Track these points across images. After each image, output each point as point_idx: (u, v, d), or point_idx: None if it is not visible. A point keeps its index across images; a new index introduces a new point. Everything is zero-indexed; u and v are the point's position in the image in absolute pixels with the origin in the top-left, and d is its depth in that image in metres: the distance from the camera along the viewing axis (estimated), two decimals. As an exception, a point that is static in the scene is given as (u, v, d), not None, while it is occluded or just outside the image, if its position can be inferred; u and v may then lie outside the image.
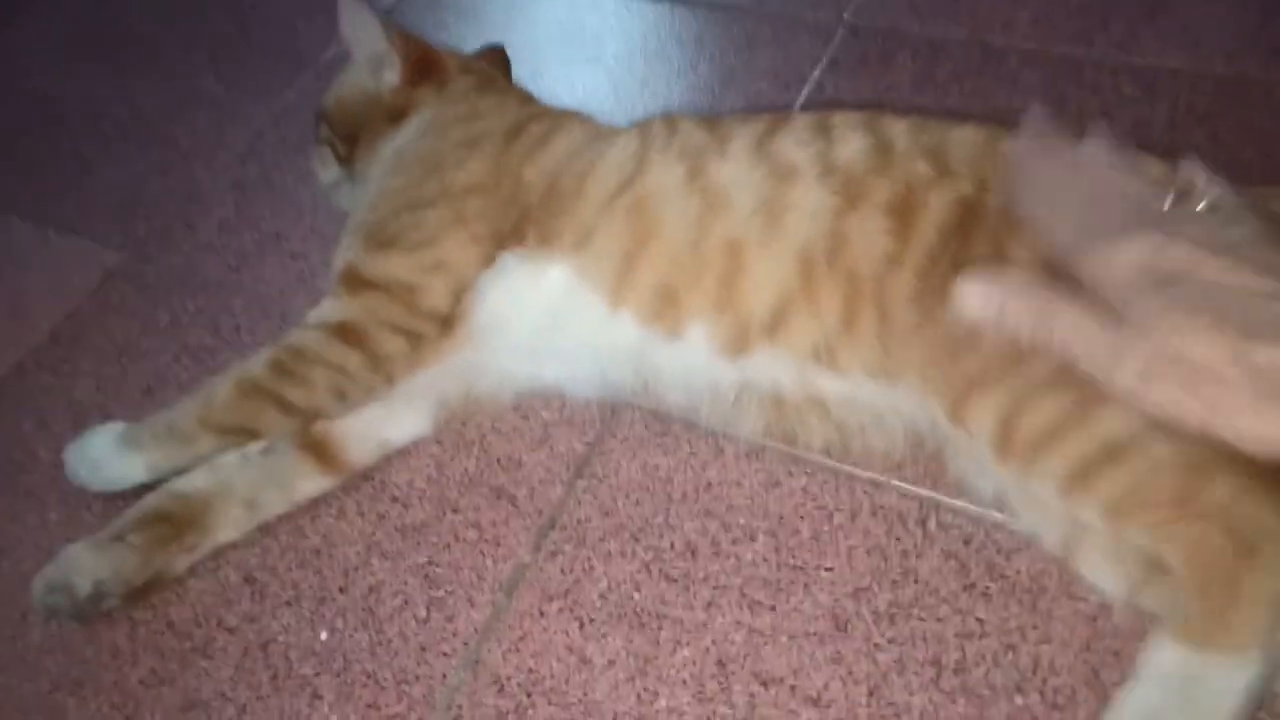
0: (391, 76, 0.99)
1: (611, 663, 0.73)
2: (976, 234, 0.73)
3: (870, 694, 0.69)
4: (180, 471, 0.83)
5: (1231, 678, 0.60)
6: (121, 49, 1.46)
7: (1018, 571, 0.73)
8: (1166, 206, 0.58)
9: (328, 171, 1.05)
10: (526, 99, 1.02)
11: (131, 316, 1.06)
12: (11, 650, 0.80)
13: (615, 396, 0.88)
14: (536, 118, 0.93)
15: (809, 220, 0.77)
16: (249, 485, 0.82)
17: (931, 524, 0.77)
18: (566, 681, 0.73)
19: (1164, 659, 0.61)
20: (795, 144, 0.82)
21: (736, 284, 0.79)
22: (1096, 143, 0.66)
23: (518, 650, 0.75)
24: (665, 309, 0.80)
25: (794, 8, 1.28)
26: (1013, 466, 0.68)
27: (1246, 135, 1.02)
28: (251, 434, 0.83)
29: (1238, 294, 0.51)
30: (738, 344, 0.79)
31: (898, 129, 0.81)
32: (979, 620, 0.72)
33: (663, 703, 0.71)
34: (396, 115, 0.99)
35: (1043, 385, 0.66)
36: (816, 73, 1.18)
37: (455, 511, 0.84)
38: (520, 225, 0.85)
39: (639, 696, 0.71)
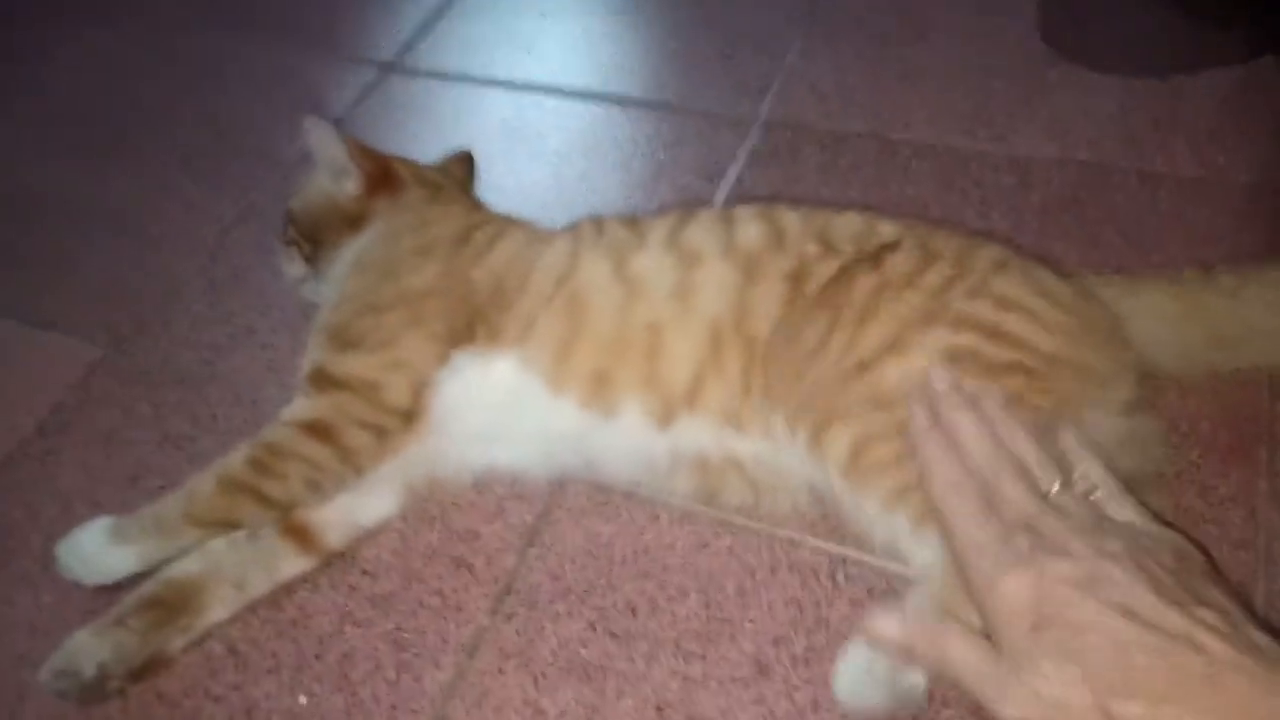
0: (351, 186, 1.10)
1: (563, 713, 0.83)
2: (854, 288, 0.86)
3: (788, 729, 0.80)
4: (168, 560, 0.91)
5: None
6: (97, 145, 1.55)
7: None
8: (1053, 490, 0.68)
9: (294, 268, 1.15)
10: (473, 207, 1.14)
11: (113, 408, 1.14)
12: (11, 728, 0.88)
13: (561, 472, 0.98)
14: (481, 225, 1.05)
15: (715, 295, 0.90)
16: (237, 569, 0.91)
17: (840, 576, 0.88)
18: (523, 732, 0.82)
19: None
20: (702, 233, 0.95)
21: (658, 361, 0.90)
22: (991, 406, 0.75)
23: (480, 706, 0.84)
24: (600, 391, 0.92)
25: (716, 106, 1.42)
26: (852, 485, 0.81)
27: (1109, 216, 1.16)
28: (233, 525, 0.92)
29: (1108, 644, 0.55)
30: (664, 416, 0.90)
31: (790, 217, 0.95)
32: (881, 659, 0.82)
33: (609, 746, 0.80)
34: (355, 221, 1.09)
35: (889, 430, 0.79)
36: (736, 166, 1.31)
37: (420, 581, 0.93)
38: (471, 323, 0.96)
39: (588, 742, 0.81)
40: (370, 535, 0.97)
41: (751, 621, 0.86)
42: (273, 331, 1.21)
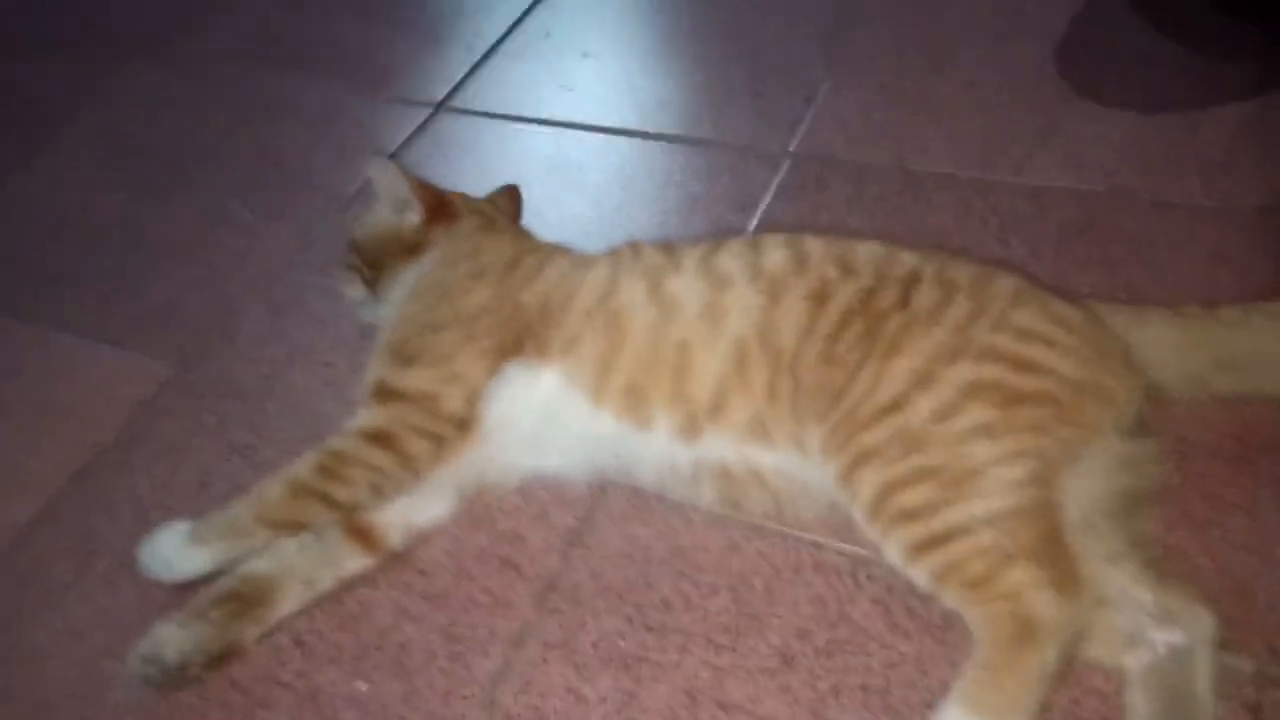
0: (413, 218, 1.19)
1: (603, 699, 0.89)
2: (872, 313, 0.93)
3: (812, 715, 0.85)
4: (238, 560, 0.99)
5: None
6: (155, 175, 1.67)
7: (931, 613, 0.90)
8: None
9: (354, 291, 1.24)
10: (521, 235, 1.23)
11: (181, 421, 1.23)
12: (96, 712, 0.96)
13: (601, 478, 1.05)
14: (530, 251, 1.13)
15: (742, 316, 0.97)
16: (306, 566, 0.99)
17: (861, 576, 0.94)
18: (566, 715, 0.89)
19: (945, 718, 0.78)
20: (731, 258, 1.02)
21: (686, 377, 0.97)
22: None
23: (525, 692, 0.91)
24: (635, 403, 0.99)
25: (748, 139, 1.50)
26: (877, 530, 0.86)
27: (1123, 243, 1.22)
28: (301, 526, 0.99)
29: None
30: (691, 429, 0.97)
31: (814, 244, 1.02)
32: (900, 653, 0.88)
33: (645, 730, 0.87)
34: (414, 249, 1.18)
35: (919, 474, 0.85)
36: (767, 198, 1.39)
37: (470, 579, 1.01)
38: (520, 339, 1.04)
39: (626, 726, 0.87)
40: (425, 537, 1.04)
41: (778, 617, 0.92)
42: (329, 350, 1.29)
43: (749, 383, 0.95)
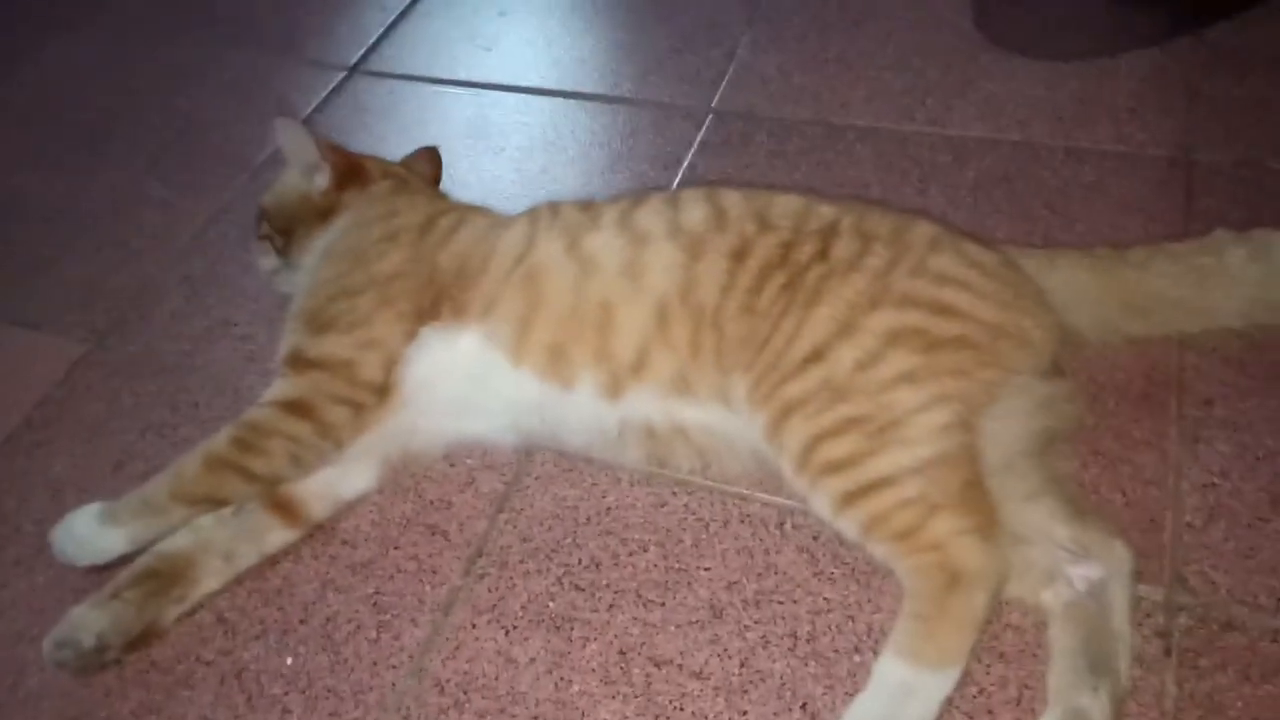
0: (322, 181, 1.15)
1: (533, 660, 0.89)
2: (792, 266, 0.93)
3: (742, 665, 0.86)
4: (157, 539, 0.96)
5: (934, 689, 0.78)
6: (68, 151, 1.60)
7: (855, 559, 0.91)
8: None
9: (267, 261, 1.20)
10: (436, 196, 1.20)
11: (97, 401, 1.19)
12: (12, 698, 0.93)
13: (527, 441, 1.04)
14: (444, 212, 1.11)
15: (663, 273, 0.96)
16: (226, 541, 0.97)
17: (787, 526, 0.95)
18: (496, 679, 0.88)
19: (886, 671, 0.80)
20: (650, 215, 1.01)
21: (608, 335, 0.96)
22: None
23: (455, 657, 0.90)
24: (557, 363, 0.98)
25: (670, 96, 1.49)
26: (804, 481, 0.87)
27: (1037, 190, 1.24)
28: (220, 502, 0.97)
29: None
30: (614, 387, 0.97)
31: (732, 199, 1.01)
32: (825, 599, 0.89)
33: (576, 688, 0.87)
34: (326, 214, 1.15)
35: (846, 424, 0.85)
36: (690, 154, 1.38)
37: (396, 548, 0.99)
38: (437, 302, 1.02)
39: (556, 685, 0.87)
40: (349, 507, 1.03)
41: (706, 570, 0.93)
42: (249, 323, 1.26)
43: (671, 338, 0.95)
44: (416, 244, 1.06)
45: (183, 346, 1.25)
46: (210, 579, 0.96)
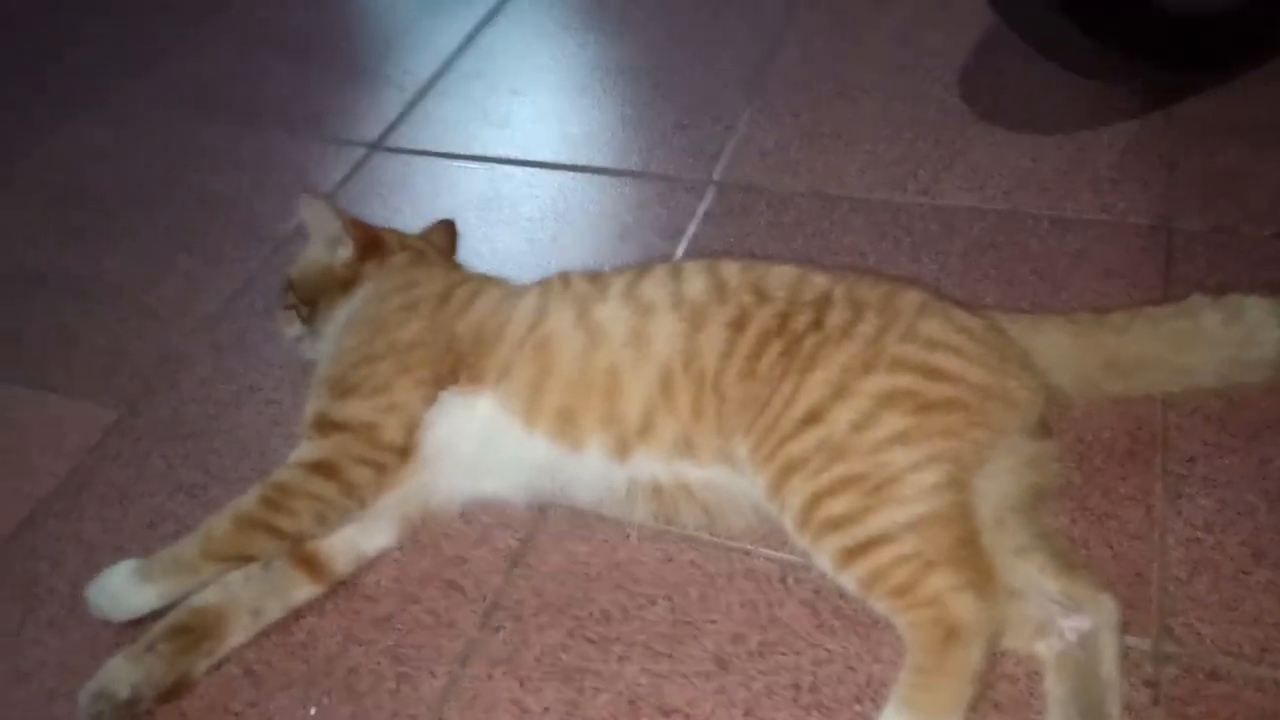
0: (345, 254, 1.23)
1: (546, 710, 0.93)
2: (789, 335, 0.99)
3: (746, 714, 0.90)
4: (187, 595, 1.01)
5: None
6: (94, 225, 1.67)
7: (856, 611, 0.95)
8: None
9: (292, 330, 1.27)
10: (453, 267, 1.28)
11: (128, 465, 1.25)
12: (47, 753, 0.97)
13: (540, 499, 1.09)
14: (461, 283, 1.17)
15: (666, 342, 1.02)
16: (254, 597, 1.01)
17: (789, 580, 0.99)
18: (512, 729, 0.92)
19: None
20: (654, 286, 1.07)
21: (616, 400, 1.02)
22: None
23: (471, 708, 0.94)
24: (567, 427, 1.03)
25: (674, 169, 1.57)
26: (806, 538, 0.92)
27: (1024, 257, 1.30)
28: (248, 559, 1.02)
29: None
30: (622, 449, 1.02)
31: (730, 270, 1.07)
32: (827, 650, 0.93)
33: (589, 738, 0.90)
34: (347, 284, 1.22)
35: (843, 483, 0.90)
36: (693, 225, 1.45)
37: (415, 602, 1.04)
38: (455, 368, 1.08)
39: (570, 735, 0.91)
40: (371, 564, 1.07)
41: (712, 622, 0.97)
42: (275, 389, 1.32)
43: (675, 404, 1.00)
44: (435, 313, 1.13)
45: (209, 411, 1.30)
46: (239, 633, 1.01)
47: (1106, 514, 1.00)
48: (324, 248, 1.24)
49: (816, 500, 0.91)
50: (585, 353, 1.04)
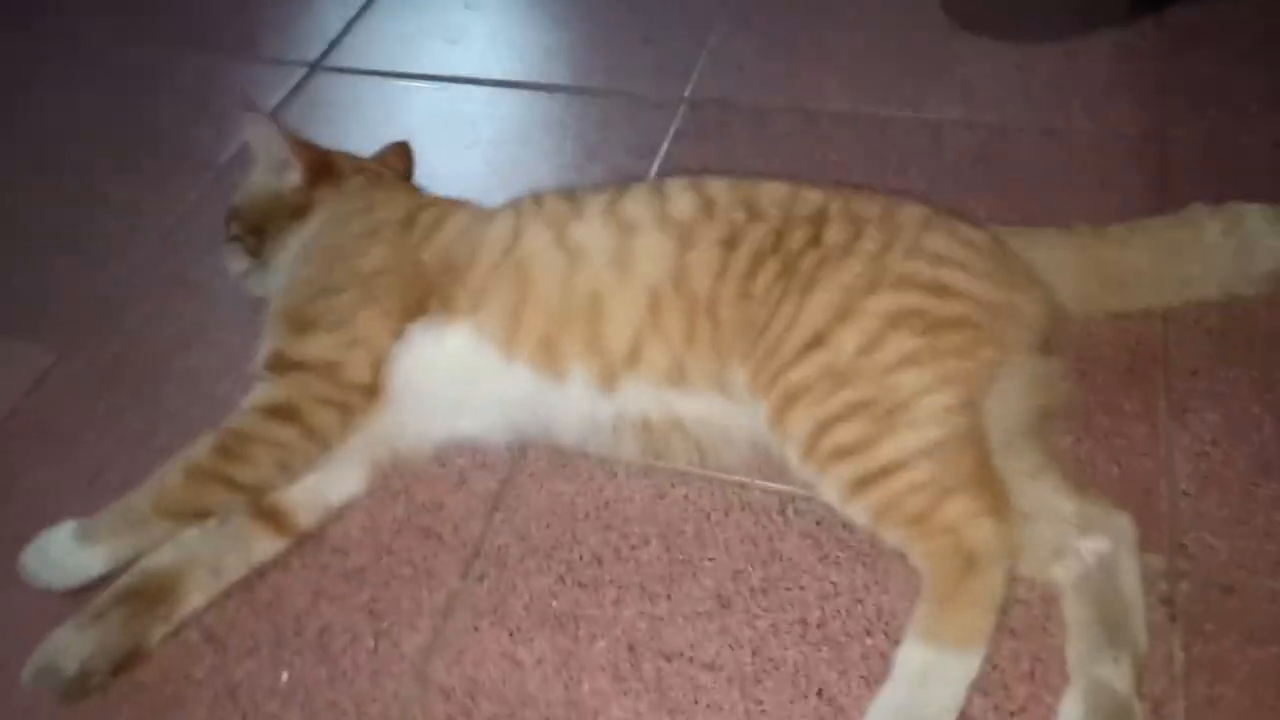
0: (293, 178, 1.12)
1: (540, 661, 0.87)
2: (785, 253, 0.92)
3: (754, 654, 0.85)
4: (137, 557, 0.92)
5: (959, 671, 0.77)
6: (22, 155, 1.54)
7: (860, 542, 0.91)
8: None
9: (238, 263, 1.17)
10: (413, 191, 1.17)
11: (69, 411, 1.15)
12: (-6, 724, 0.89)
13: (520, 438, 1.02)
14: (424, 207, 1.08)
15: (653, 263, 0.95)
16: (212, 554, 0.93)
17: (789, 512, 0.94)
18: (503, 682, 0.86)
19: (908, 656, 0.79)
20: (637, 204, 1.00)
21: (600, 327, 0.95)
22: None
23: (459, 662, 0.88)
24: (549, 356, 0.96)
25: (642, 88, 1.47)
26: (811, 469, 0.86)
27: (1014, 170, 1.25)
28: (204, 514, 0.93)
29: None
30: (608, 380, 0.95)
31: (718, 186, 1.00)
32: (833, 584, 0.89)
33: (585, 687, 0.85)
34: (299, 211, 1.12)
35: (851, 410, 0.84)
36: (665, 144, 1.36)
37: (390, 553, 0.97)
38: (423, 298, 0.99)
39: (565, 685, 0.85)
40: (339, 514, 1.00)
41: (710, 560, 0.92)
42: (221, 328, 1.22)
43: (665, 328, 0.94)
44: (399, 239, 1.04)
45: (156, 351, 1.20)
46: (197, 594, 0.93)
47: (1112, 432, 0.96)
48: (271, 172, 1.13)
49: (823, 428, 0.85)
50: (566, 276, 0.96)
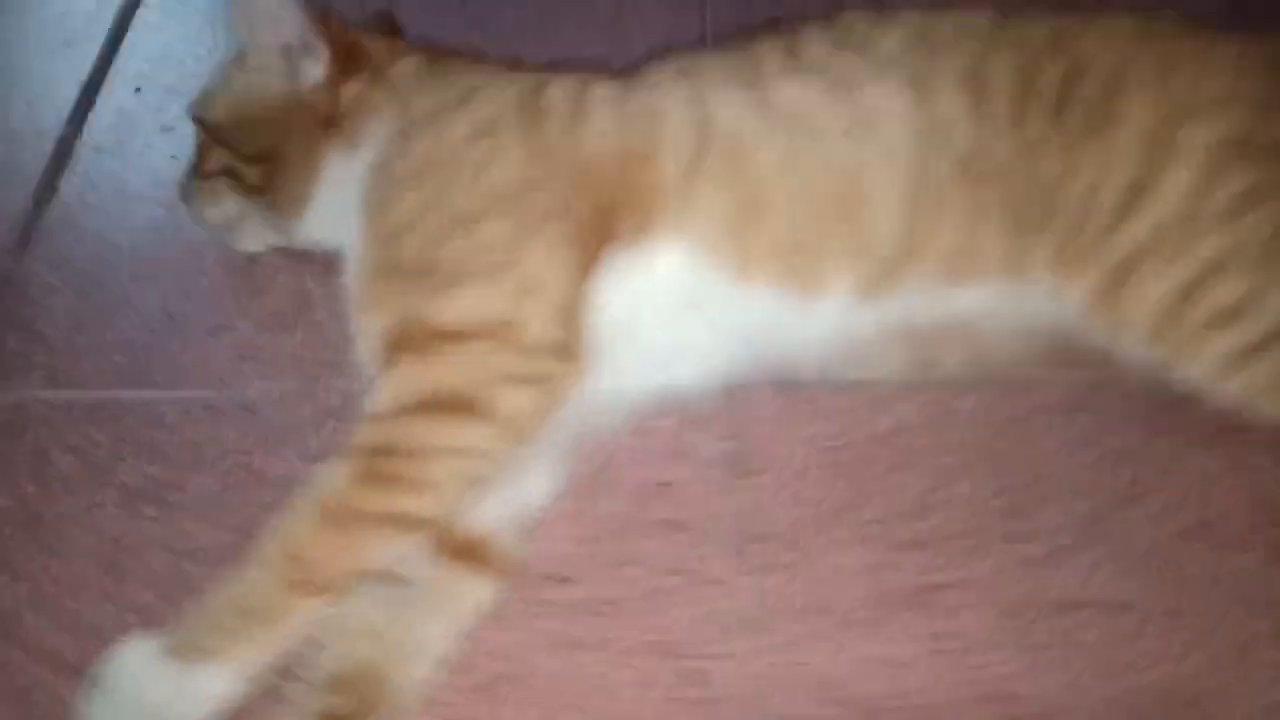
0: (314, 71, 0.77)
1: (913, 658, 0.66)
2: (1044, 88, 0.72)
3: (1161, 566, 0.68)
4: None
5: None
6: None
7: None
8: None
9: (223, 208, 0.82)
10: (496, 65, 0.83)
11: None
12: None
13: (741, 379, 0.77)
14: (541, 85, 0.76)
15: (899, 122, 0.72)
16: (410, 629, 0.63)
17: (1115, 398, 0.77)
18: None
19: None
20: (828, 51, 0.75)
21: (862, 216, 0.71)
22: None
23: (830, 685, 0.64)
24: (798, 267, 0.71)
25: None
26: (1169, 347, 0.69)
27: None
28: (360, 573, 0.63)
29: None
30: (876, 285, 0.72)
31: (906, 16, 0.77)
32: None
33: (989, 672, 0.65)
34: (331, 121, 0.77)
35: (1212, 267, 0.67)
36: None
37: (632, 564, 0.70)
38: (607, 215, 0.70)
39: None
40: (543, 526, 0.71)
41: (1050, 474, 0.73)
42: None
43: (942, 205, 0.71)
44: (529, 134, 0.73)
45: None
46: (404, 692, 0.62)
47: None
48: (275, 66, 0.77)
49: (1185, 296, 0.68)
50: (793, 155, 0.71)
